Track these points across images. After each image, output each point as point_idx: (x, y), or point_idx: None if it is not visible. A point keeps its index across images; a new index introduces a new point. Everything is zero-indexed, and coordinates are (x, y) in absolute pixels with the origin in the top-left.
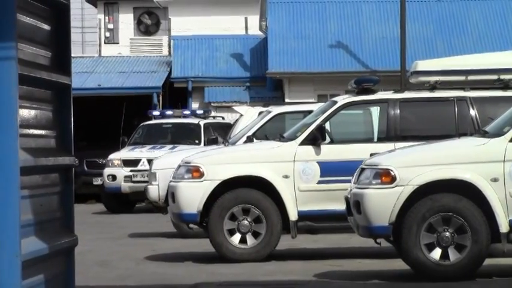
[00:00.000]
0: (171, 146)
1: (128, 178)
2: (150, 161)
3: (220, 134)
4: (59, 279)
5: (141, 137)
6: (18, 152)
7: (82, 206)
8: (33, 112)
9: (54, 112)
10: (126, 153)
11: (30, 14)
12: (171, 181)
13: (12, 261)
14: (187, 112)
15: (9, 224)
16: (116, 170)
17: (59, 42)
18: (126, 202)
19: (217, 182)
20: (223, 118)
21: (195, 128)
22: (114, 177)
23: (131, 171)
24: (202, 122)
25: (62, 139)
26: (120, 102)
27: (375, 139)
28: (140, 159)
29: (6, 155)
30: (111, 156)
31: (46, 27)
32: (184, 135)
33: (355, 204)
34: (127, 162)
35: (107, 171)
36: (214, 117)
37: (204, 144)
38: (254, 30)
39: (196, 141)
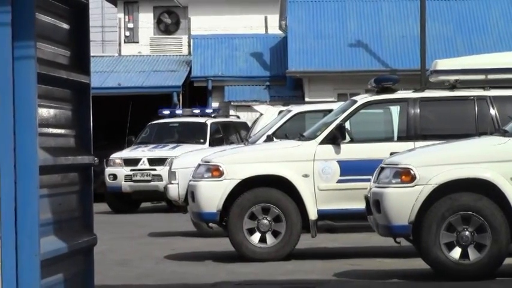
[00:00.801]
0: (173, 145)
1: (128, 177)
2: (150, 161)
3: (232, 133)
4: (78, 279)
5: (148, 136)
6: (38, 151)
7: (102, 205)
8: (52, 111)
9: (74, 111)
10: (127, 152)
11: (49, 13)
12: (190, 180)
13: (31, 260)
14: (197, 111)
15: (28, 223)
16: (116, 169)
17: (78, 42)
18: (129, 202)
19: (237, 181)
20: (238, 117)
21: (202, 127)
22: (115, 177)
23: (131, 170)
24: (209, 121)
25: (81, 138)
26: (140, 101)
27: (395, 138)
28: (141, 159)
29: (25, 154)
30: (113, 155)
31: (65, 26)
32: (190, 134)
33: (374, 203)
34: (128, 162)
35: (108, 170)
36: (227, 115)
37: (210, 144)
38: (274, 29)
39: (201, 141)
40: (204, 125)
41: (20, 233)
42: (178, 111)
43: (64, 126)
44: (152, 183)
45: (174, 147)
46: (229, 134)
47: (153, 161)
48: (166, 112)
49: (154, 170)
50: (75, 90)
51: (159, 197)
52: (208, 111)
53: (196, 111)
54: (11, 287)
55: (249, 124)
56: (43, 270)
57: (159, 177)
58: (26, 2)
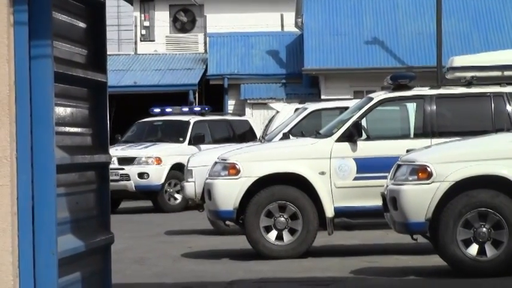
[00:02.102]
0: (149, 144)
1: None
2: (120, 160)
3: (225, 131)
4: (95, 277)
5: (133, 135)
6: (54, 150)
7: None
8: (69, 110)
9: (90, 110)
10: None
11: (66, 12)
12: (207, 178)
13: (49, 259)
14: (185, 109)
15: (46, 222)
16: None
17: (94, 40)
18: None
19: (254, 179)
20: (240, 115)
21: (184, 125)
22: None
23: None
24: (193, 120)
25: (98, 137)
26: (156, 100)
27: (411, 135)
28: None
29: (42, 153)
30: None
31: (82, 25)
32: (172, 133)
33: (391, 201)
34: None
35: None
36: (222, 114)
37: (189, 143)
38: (290, 27)
39: (181, 139)
40: (187, 123)
41: (37, 231)
42: (169, 109)
43: (81, 124)
44: (121, 182)
45: (147, 146)
46: (221, 132)
47: (122, 160)
48: (157, 110)
49: (123, 169)
50: (91, 89)
51: (128, 196)
52: (197, 109)
53: (185, 109)
54: (29, 286)
55: (251, 122)
56: (60, 269)
57: (127, 177)
58: (43, 1)
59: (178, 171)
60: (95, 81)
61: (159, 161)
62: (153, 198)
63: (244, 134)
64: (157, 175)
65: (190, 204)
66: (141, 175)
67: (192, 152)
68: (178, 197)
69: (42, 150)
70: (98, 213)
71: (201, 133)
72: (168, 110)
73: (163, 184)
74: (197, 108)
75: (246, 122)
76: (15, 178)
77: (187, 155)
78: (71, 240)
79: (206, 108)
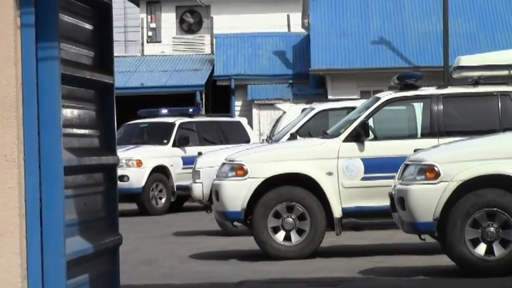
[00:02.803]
0: (132, 146)
1: None
2: None
3: (215, 132)
4: (104, 279)
5: (120, 137)
6: (62, 151)
7: (126, 205)
8: (76, 112)
9: (97, 111)
10: None
11: (72, 14)
12: (214, 179)
13: (57, 261)
14: (164, 111)
15: (54, 224)
16: None
17: (101, 42)
18: None
19: (261, 180)
20: (231, 116)
21: (168, 127)
22: None
23: None
24: (178, 122)
25: (105, 138)
26: (163, 101)
27: (419, 135)
28: None
29: (50, 155)
30: None
31: (88, 26)
32: (156, 135)
33: (399, 201)
34: None
35: None
36: (211, 115)
37: (173, 144)
38: (296, 27)
39: (165, 141)
40: (172, 125)
41: (45, 233)
42: (156, 111)
43: (88, 126)
44: None
45: (129, 149)
46: (210, 134)
47: None
48: (144, 111)
49: None
50: (99, 91)
51: None
52: (185, 110)
53: (164, 111)
54: None
55: (243, 123)
56: (69, 271)
57: None
58: (49, 2)
59: (161, 173)
60: (102, 82)
61: (139, 163)
62: (137, 201)
63: (236, 136)
64: (138, 178)
65: (183, 204)
66: (121, 178)
67: (175, 154)
68: (163, 199)
69: (49, 152)
70: (106, 215)
71: (186, 135)
72: (156, 111)
73: (144, 187)
74: (185, 110)
75: (238, 123)
76: (22, 180)
77: (170, 157)
78: (79, 241)
79: (194, 110)
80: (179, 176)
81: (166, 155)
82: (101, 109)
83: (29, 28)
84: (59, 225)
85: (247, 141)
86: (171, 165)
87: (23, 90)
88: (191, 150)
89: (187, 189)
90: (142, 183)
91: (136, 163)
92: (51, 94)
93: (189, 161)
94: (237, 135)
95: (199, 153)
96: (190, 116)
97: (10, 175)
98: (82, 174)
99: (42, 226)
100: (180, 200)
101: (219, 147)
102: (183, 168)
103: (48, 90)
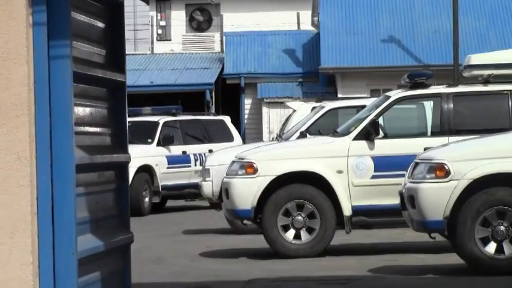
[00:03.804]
0: None
1: None
2: None
3: (198, 131)
4: (115, 277)
5: None
6: (74, 149)
7: None
8: (88, 110)
9: (109, 110)
10: None
11: (84, 12)
12: (224, 177)
13: (69, 259)
14: (148, 110)
15: (65, 222)
16: None
17: (113, 40)
18: None
19: (271, 178)
20: (214, 114)
21: (153, 126)
22: None
23: None
24: (162, 120)
25: (117, 136)
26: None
27: (429, 133)
28: None
29: (61, 153)
30: None
31: (100, 25)
32: (140, 134)
33: (409, 199)
34: None
35: None
36: (196, 114)
37: (158, 143)
38: (306, 25)
39: (149, 140)
40: (156, 124)
41: (57, 231)
42: (139, 110)
43: (100, 124)
44: None
45: None
46: (193, 132)
47: None
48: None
49: None
50: (110, 89)
51: None
52: (168, 109)
53: (146, 110)
54: (49, 286)
55: (227, 122)
56: (80, 269)
57: None
58: (61, 1)
59: (145, 172)
60: (114, 81)
61: None
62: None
63: (219, 134)
64: None
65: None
66: None
67: (159, 153)
68: (146, 198)
69: (61, 150)
70: (118, 213)
71: (170, 134)
72: (139, 110)
73: (130, 186)
74: (168, 109)
75: (222, 121)
76: (34, 178)
77: (154, 156)
78: (90, 239)
79: (177, 108)
80: (164, 176)
81: (151, 154)
82: (113, 107)
83: (41, 26)
84: (70, 223)
85: (231, 139)
86: (156, 165)
87: (35, 88)
88: (175, 150)
89: (172, 189)
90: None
91: None
92: (63, 92)
93: (173, 161)
94: (220, 133)
95: (210, 151)
96: (173, 114)
97: (22, 173)
98: (94, 172)
99: (54, 224)
100: (164, 200)
101: (203, 146)
102: (167, 168)
103: (60, 88)
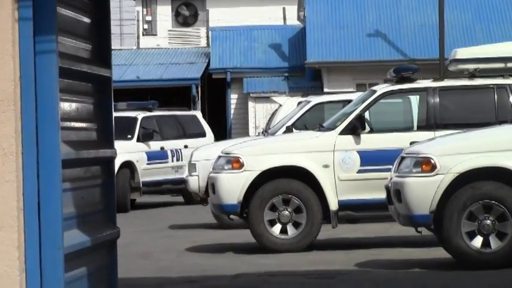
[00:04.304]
0: None
1: None
2: None
3: (174, 127)
4: (102, 272)
5: None
6: (60, 145)
7: None
8: (74, 105)
9: (95, 105)
10: None
11: (70, 7)
12: (211, 172)
13: (55, 254)
14: (123, 105)
15: (52, 217)
16: None
17: (99, 35)
18: None
19: (257, 173)
20: (187, 109)
21: (131, 122)
22: None
23: None
24: (140, 116)
25: (103, 132)
26: (159, 94)
27: (415, 128)
28: None
29: (47, 148)
30: None
31: (86, 20)
32: (119, 130)
33: (395, 193)
34: None
35: None
36: (170, 109)
37: (138, 139)
38: (292, 20)
39: (129, 136)
40: (134, 119)
41: (43, 227)
42: (116, 105)
43: (86, 119)
44: None
45: None
46: (169, 128)
47: None
48: None
49: None
50: (96, 84)
51: None
52: (144, 104)
53: (124, 104)
54: (35, 281)
55: (199, 117)
56: (67, 264)
57: None
58: None
59: (127, 169)
60: (100, 76)
61: None
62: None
63: (193, 129)
64: None
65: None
66: None
67: (139, 149)
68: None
69: (47, 145)
70: (104, 208)
71: (150, 129)
72: (122, 105)
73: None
74: (144, 104)
75: (194, 116)
76: (21, 174)
77: (135, 152)
78: (77, 235)
79: (153, 103)
80: (144, 172)
81: (132, 150)
82: (99, 102)
83: (27, 22)
84: (57, 218)
85: (203, 135)
86: (137, 161)
87: (21, 83)
88: (154, 145)
89: (151, 185)
90: None
91: None
92: (49, 87)
93: (153, 156)
94: (194, 128)
95: (186, 147)
96: (149, 110)
97: (8, 168)
98: (80, 167)
99: (40, 219)
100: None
101: (179, 142)
102: (147, 164)
103: (46, 83)
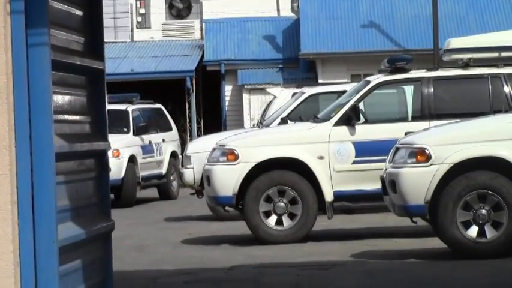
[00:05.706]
0: None
1: None
2: None
3: (153, 120)
4: (96, 265)
5: None
6: (53, 138)
7: None
8: (67, 98)
9: (88, 97)
10: None
11: (62, 0)
12: (206, 164)
13: (50, 247)
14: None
15: (46, 210)
16: None
17: (91, 28)
18: None
19: (252, 164)
20: (153, 102)
21: (123, 114)
22: None
23: None
24: (130, 108)
25: (96, 124)
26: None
27: (409, 118)
28: None
29: (41, 142)
30: None
31: (78, 12)
32: (112, 123)
33: (390, 184)
34: None
35: None
36: (144, 102)
37: (134, 133)
38: (286, 11)
39: (125, 130)
40: (125, 112)
41: (37, 220)
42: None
43: (79, 112)
44: None
45: None
46: (148, 121)
47: None
48: None
49: None
50: (89, 77)
51: None
52: (125, 97)
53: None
54: (30, 274)
55: (164, 110)
56: (61, 257)
57: None
58: None
59: (132, 163)
60: (93, 68)
61: (117, 153)
62: (115, 194)
63: (161, 123)
64: (118, 168)
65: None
66: None
67: (136, 143)
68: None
69: (41, 138)
70: (98, 201)
71: (143, 123)
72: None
73: (123, 178)
74: (127, 96)
75: (160, 109)
76: (14, 167)
77: (134, 146)
78: (71, 228)
79: (135, 96)
80: (141, 166)
81: (132, 144)
82: (92, 95)
83: (19, 15)
84: (50, 211)
85: (170, 128)
86: (137, 155)
87: (14, 76)
88: (146, 139)
89: (145, 179)
90: (122, 174)
91: (114, 153)
92: (42, 80)
93: (145, 150)
94: (162, 122)
95: (163, 141)
96: (131, 102)
97: (1, 162)
98: (73, 160)
99: (34, 212)
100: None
101: (159, 135)
102: (143, 158)
103: (39, 76)
